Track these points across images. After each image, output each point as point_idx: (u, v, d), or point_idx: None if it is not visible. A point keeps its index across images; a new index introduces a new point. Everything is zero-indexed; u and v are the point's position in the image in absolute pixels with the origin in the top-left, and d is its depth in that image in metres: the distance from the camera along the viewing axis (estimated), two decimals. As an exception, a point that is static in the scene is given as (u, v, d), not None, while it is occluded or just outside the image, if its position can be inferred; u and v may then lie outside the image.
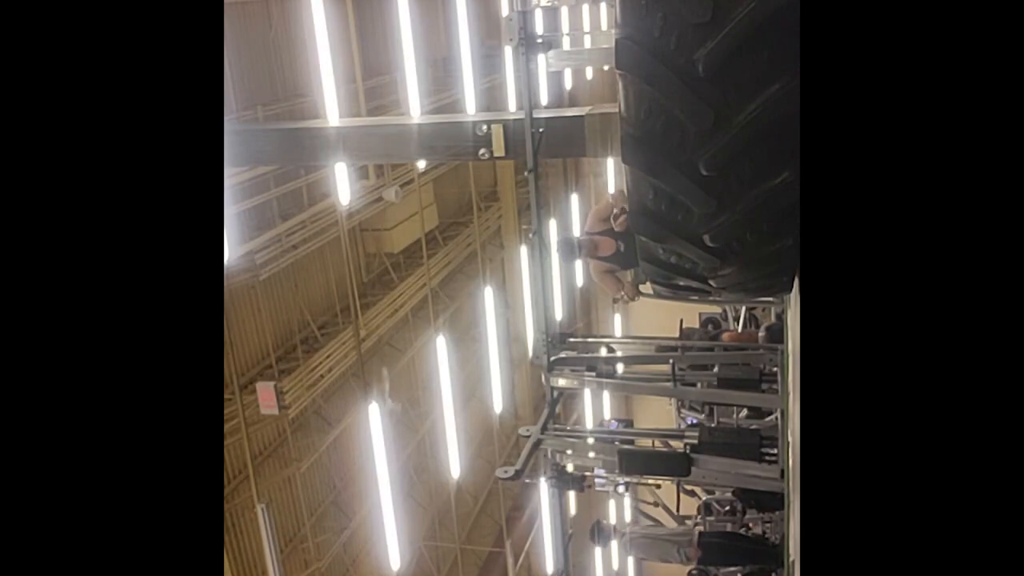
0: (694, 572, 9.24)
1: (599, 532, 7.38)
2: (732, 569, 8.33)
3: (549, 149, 4.19)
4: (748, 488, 5.86)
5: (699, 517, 8.47)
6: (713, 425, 7.20)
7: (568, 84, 14.47)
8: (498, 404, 11.30)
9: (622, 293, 4.82)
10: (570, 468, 5.30)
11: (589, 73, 14.68)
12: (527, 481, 5.06)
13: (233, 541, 7.65)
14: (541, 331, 4.97)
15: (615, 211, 4.57)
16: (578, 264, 5.09)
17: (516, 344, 12.91)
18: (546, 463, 5.15)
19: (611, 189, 14.23)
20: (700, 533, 7.57)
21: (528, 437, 4.84)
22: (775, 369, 4.68)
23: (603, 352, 5.30)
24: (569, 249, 4.81)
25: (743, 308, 8.95)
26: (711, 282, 2.86)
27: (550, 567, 8.39)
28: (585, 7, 13.81)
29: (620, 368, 5.34)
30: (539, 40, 4.13)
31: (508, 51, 8.49)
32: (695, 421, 8.32)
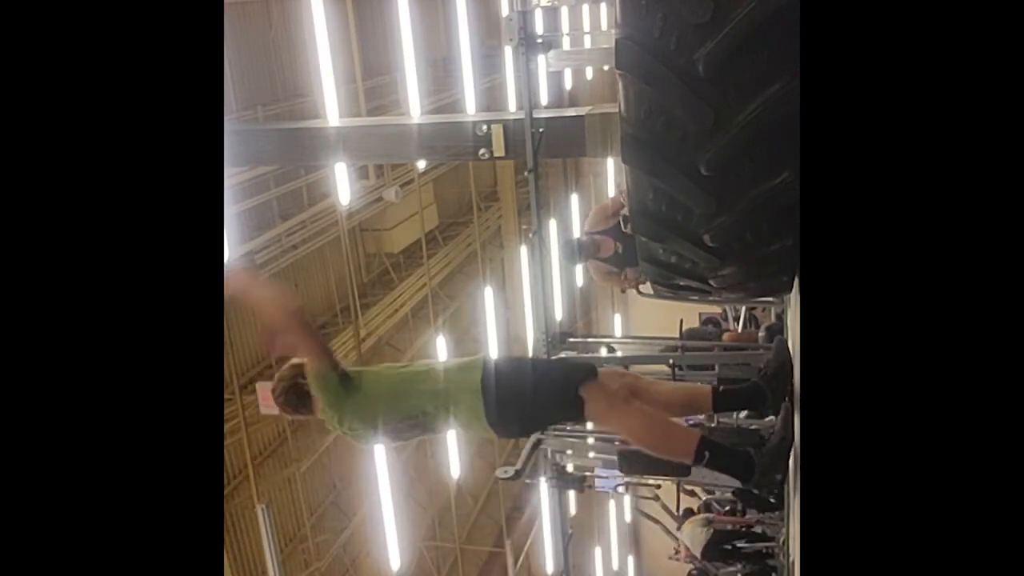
0: (694, 572, 9.26)
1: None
2: (732, 569, 8.35)
3: (549, 149, 4.19)
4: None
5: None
6: (713, 425, 7.20)
7: (568, 84, 14.46)
8: (498, 404, 11.27)
9: (626, 276, 4.82)
10: (570, 468, 5.30)
11: (589, 73, 14.67)
12: (527, 481, 5.06)
13: (233, 541, 7.65)
14: (541, 331, 4.97)
15: (623, 213, 4.57)
16: (578, 265, 5.10)
17: (516, 344, 12.91)
18: (546, 463, 5.15)
19: (611, 188, 14.23)
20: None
21: (528, 437, 4.83)
22: (775, 369, 4.67)
23: (603, 352, 5.30)
24: (571, 252, 4.81)
25: (743, 308, 8.95)
26: (711, 282, 2.86)
27: (550, 567, 8.40)
28: (585, 7, 13.80)
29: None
30: (539, 40, 4.13)
31: (508, 51, 8.48)
32: (692, 422, 8.32)
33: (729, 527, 8.27)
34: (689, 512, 8.80)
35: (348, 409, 2.91)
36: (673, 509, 8.73)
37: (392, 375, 3.00)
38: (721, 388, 3.04)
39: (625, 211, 4.55)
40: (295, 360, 3.08)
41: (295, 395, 3.00)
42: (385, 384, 2.95)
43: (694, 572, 9.25)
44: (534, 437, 4.80)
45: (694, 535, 8.22)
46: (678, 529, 8.51)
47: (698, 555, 8.15)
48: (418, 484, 11.04)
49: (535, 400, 2.86)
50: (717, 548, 8.05)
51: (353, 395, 2.89)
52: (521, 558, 11.81)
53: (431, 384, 2.91)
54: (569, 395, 2.82)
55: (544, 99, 11.23)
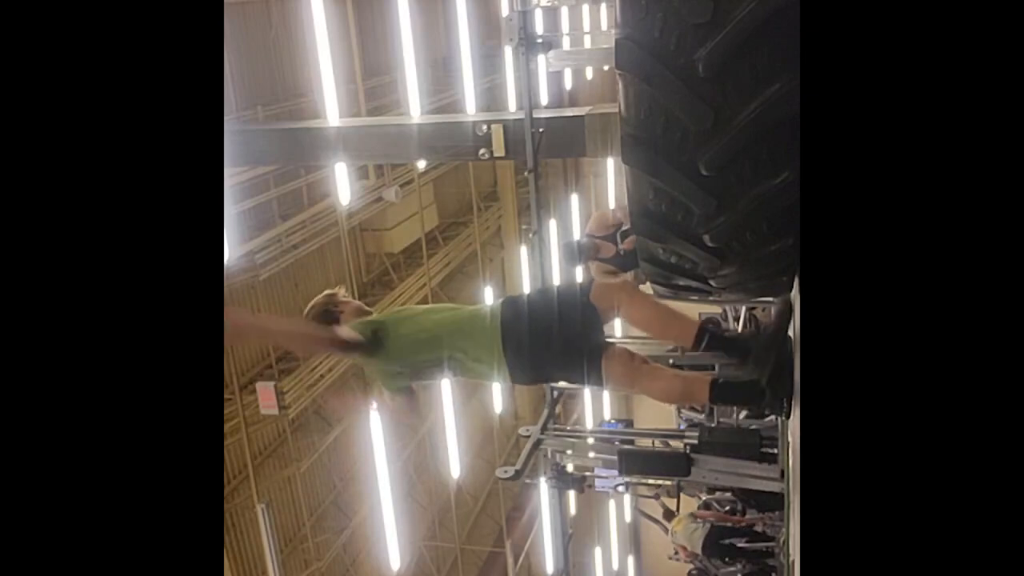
0: (694, 572, 9.28)
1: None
2: (732, 569, 8.36)
3: (549, 149, 4.20)
4: (748, 488, 5.85)
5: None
6: (713, 425, 7.20)
7: (568, 84, 14.46)
8: (498, 404, 11.30)
9: None
10: (570, 468, 5.31)
11: (589, 73, 14.66)
12: (527, 481, 5.06)
13: (233, 541, 7.65)
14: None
15: (624, 228, 4.60)
16: (579, 266, 5.10)
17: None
18: (546, 463, 5.16)
19: (611, 188, 14.23)
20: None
21: (528, 437, 4.84)
22: (775, 369, 4.67)
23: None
24: (571, 253, 4.81)
25: (743, 308, 8.95)
26: (711, 282, 2.86)
27: (550, 567, 8.40)
28: (585, 7, 13.78)
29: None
30: (539, 40, 4.13)
31: (508, 51, 8.47)
32: (688, 422, 8.34)
33: (724, 524, 8.29)
34: (670, 513, 8.83)
35: (376, 363, 3.04)
36: (673, 509, 8.73)
37: (413, 331, 3.07)
38: (721, 380, 3.05)
39: (624, 227, 4.56)
40: (328, 291, 3.26)
41: (326, 324, 3.16)
42: (407, 340, 3.02)
43: (694, 572, 9.26)
44: (535, 437, 4.80)
45: (688, 533, 8.24)
46: (674, 532, 8.51)
47: (698, 551, 8.16)
48: (418, 484, 11.04)
49: (556, 331, 2.92)
50: (716, 544, 8.07)
51: (379, 353, 2.99)
52: (521, 558, 11.81)
53: (451, 335, 3.00)
54: (583, 306, 2.89)
55: (544, 99, 11.22)
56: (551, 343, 2.91)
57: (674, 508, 8.72)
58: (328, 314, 3.16)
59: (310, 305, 3.22)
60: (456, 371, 3.09)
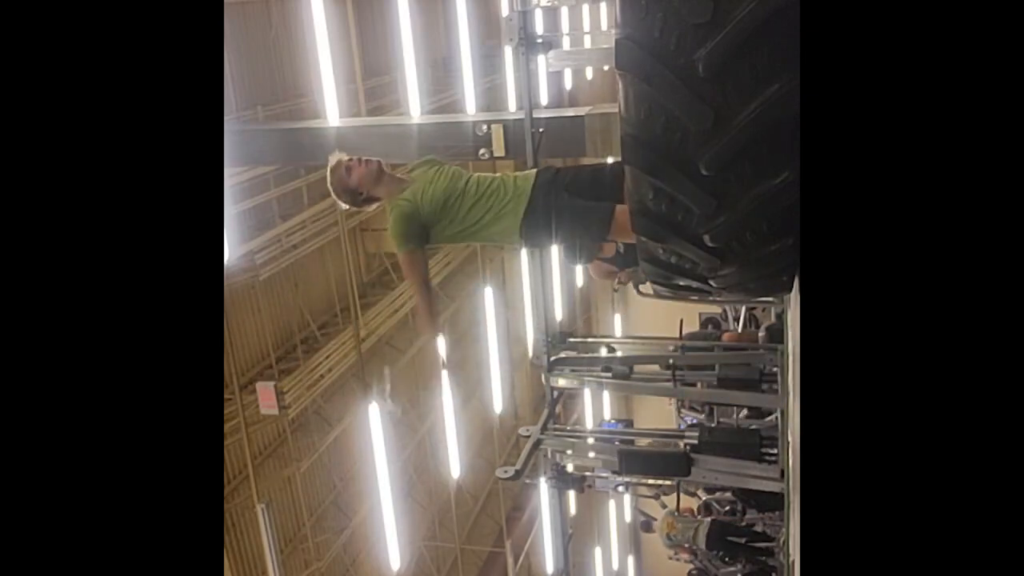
0: (694, 572, 9.28)
1: None
2: (732, 569, 8.36)
3: (549, 149, 4.20)
4: (748, 488, 5.85)
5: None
6: (713, 425, 7.21)
7: (568, 84, 14.45)
8: (498, 404, 11.30)
9: (619, 279, 4.86)
10: (570, 468, 5.30)
11: (589, 73, 14.66)
12: (527, 481, 5.06)
13: (233, 541, 7.65)
14: (541, 331, 4.98)
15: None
16: (580, 265, 5.12)
17: (516, 344, 12.91)
18: (546, 463, 5.15)
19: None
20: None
21: (528, 437, 4.83)
22: (775, 369, 4.68)
23: (603, 352, 5.30)
24: (573, 252, 4.81)
25: (743, 308, 8.96)
26: (711, 282, 2.86)
27: (550, 567, 8.40)
28: (585, 7, 13.79)
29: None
30: (539, 40, 4.13)
31: (508, 51, 8.47)
32: (695, 421, 8.34)
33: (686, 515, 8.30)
34: (647, 522, 8.83)
35: (413, 232, 3.45)
36: (673, 509, 8.73)
37: (447, 204, 3.41)
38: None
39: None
40: (347, 168, 3.50)
41: (350, 197, 3.58)
42: (440, 212, 3.40)
43: (694, 572, 9.26)
44: (535, 437, 4.80)
45: (689, 533, 8.24)
46: (669, 535, 8.50)
47: (703, 546, 8.16)
48: (418, 484, 11.03)
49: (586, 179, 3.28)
50: (720, 539, 8.07)
51: (417, 222, 3.42)
52: (521, 558, 11.81)
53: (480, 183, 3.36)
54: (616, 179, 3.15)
55: (544, 99, 11.21)
56: (579, 183, 3.25)
57: (675, 508, 8.71)
58: (353, 192, 3.50)
59: (337, 179, 3.50)
60: (474, 224, 3.34)
